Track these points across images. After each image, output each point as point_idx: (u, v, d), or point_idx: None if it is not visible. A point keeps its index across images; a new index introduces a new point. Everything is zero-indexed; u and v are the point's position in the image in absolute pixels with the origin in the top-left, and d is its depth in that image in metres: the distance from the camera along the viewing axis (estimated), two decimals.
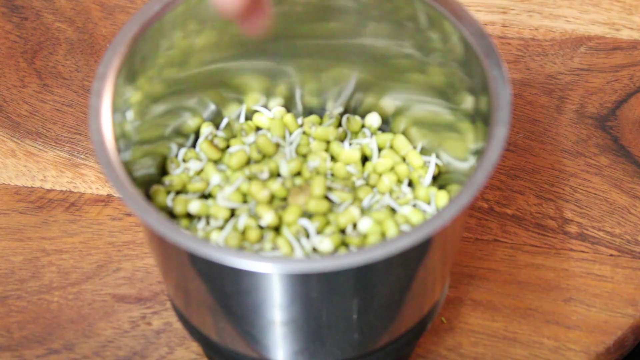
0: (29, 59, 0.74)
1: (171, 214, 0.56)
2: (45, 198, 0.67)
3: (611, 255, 0.65)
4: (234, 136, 0.60)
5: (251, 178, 0.56)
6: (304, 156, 0.59)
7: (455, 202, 0.48)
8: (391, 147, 0.60)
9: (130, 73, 0.53)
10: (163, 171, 0.58)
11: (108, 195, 0.67)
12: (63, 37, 0.75)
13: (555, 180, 0.68)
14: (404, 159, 0.59)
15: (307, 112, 0.61)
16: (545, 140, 0.70)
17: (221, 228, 0.55)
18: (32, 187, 0.68)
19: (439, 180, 0.58)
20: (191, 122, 0.59)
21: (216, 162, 0.58)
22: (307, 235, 0.54)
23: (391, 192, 0.57)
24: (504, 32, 0.75)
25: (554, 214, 0.66)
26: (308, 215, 0.55)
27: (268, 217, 0.54)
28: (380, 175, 0.58)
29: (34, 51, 0.74)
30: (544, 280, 0.64)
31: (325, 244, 0.54)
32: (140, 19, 0.53)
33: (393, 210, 0.57)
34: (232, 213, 0.55)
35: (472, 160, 0.54)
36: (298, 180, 0.57)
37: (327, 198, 0.56)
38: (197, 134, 0.60)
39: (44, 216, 0.66)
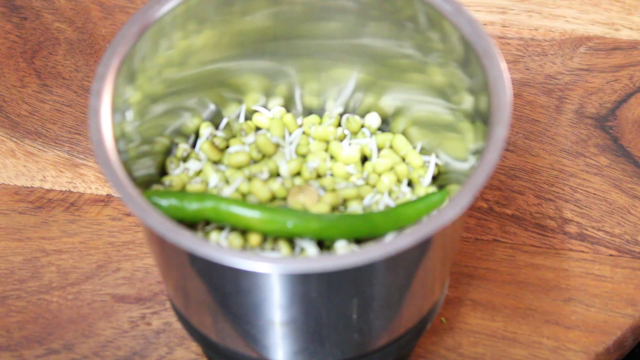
0: (28, 59, 0.74)
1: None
2: (44, 198, 0.67)
3: (611, 255, 0.65)
4: (233, 136, 0.60)
5: (251, 178, 0.56)
6: (304, 156, 0.59)
7: (455, 202, 0.48)
8: (391, 147, 0.60)
9: (129, 73, 0.53)
10: (163, 171, 0.58)
11: (108, 195, 0.67)
12: (63, 37, 0.75)
13: (554, 180, 0.68)
14: (403, 159, 0.59)
15: (307, 112, 0.61)
16: (545, 140, 0.70)
17: (221, 228, 0.55)
18: (32, 187, 0.68)
19: (439, 180, 0.58)
20: (191, 122, 0.59)
21: (216, 162, 0.58)
22: None
23: (390, 192, 0.57)
24: (503, 32, 0.75)
25: (554, 214, 0.66)
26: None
27: None
28: (379, 175, 0.58)
29: (34, 51, 0.74)
30: (544, 280, 0.64)
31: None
32: (140, 19, 0.53)
33: None
34: None
35: (472, 160, 0.54)
36: (298, 180, 0.57)
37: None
38: (196, 134, 0.60)
39: (44, 216, 0.66)
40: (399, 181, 0.58)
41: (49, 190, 0.68)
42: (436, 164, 0.58)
